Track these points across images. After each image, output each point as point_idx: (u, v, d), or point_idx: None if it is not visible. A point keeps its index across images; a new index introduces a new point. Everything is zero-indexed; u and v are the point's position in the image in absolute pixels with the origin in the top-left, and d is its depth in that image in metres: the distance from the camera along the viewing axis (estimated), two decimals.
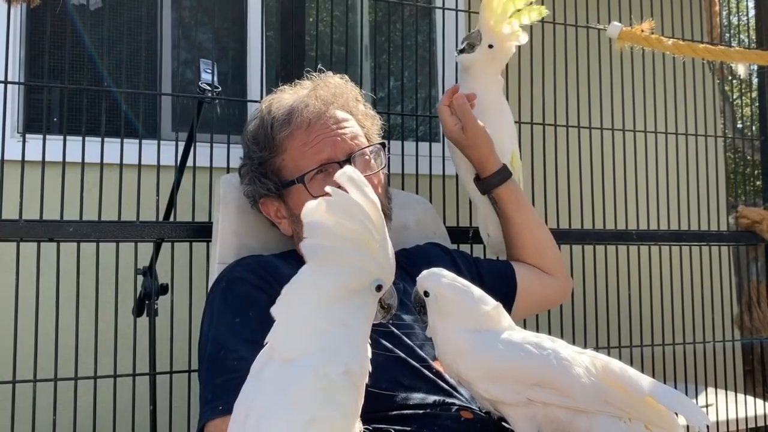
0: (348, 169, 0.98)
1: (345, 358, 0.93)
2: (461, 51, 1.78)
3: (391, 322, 1.23)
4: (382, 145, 1.63)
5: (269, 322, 0.97)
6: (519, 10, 1.72)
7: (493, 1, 1.70)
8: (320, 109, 1.55)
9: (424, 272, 1.22)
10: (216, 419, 1.27)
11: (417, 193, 2.06)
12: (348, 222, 0.95)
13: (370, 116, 1.66)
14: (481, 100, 1.77)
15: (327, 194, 1.03)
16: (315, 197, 1.45)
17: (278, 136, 1.55)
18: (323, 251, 0.95)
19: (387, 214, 1.58)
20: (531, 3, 1.73)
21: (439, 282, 1.21)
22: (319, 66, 1.67)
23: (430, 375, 1.39)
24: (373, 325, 1.02)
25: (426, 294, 1.21)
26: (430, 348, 1.26)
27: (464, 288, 1.21)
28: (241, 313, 1.38)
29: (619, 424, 1.17)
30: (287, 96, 1.61)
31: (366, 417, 0.99)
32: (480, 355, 1.19)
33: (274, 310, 0.97)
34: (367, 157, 1.57)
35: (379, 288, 0.99)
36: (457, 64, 1.90)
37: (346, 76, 1.66)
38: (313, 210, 0.95)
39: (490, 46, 1.74)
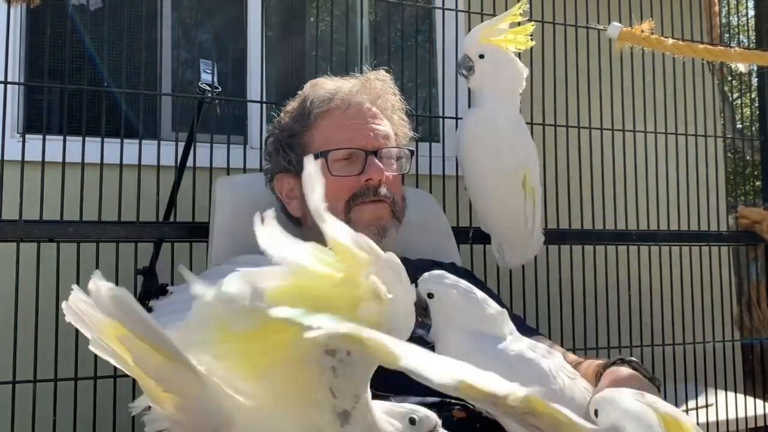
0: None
1: None
2: (466, 78, 1.79)
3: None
4: (411, 152, 1.65)
5: None
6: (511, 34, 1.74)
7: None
8: (363, 99, 1.56)
9: (426, 274, 1.21)
10: None
11: None
12: None
13: (402, 125, 1.67)
14: (496, 121, 1.77)
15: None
16: (333, 175, 1.48)
17: (315, 111, 1.55)
18: None
19: (399, 218, 1.60)
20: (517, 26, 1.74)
21: (443, 283, 1.20)
22: (366, 66, 1.69)
23: None
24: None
25: (430, 296, 1.20)
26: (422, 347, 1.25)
27: (468, 290, 1.20)
28: None
29: None
30: (334, 81, 1.62)
31: None
32: (473, 362, 1.18)
33: None
34: (392, 160, 1.60)
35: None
36: (456, 75, 1.90)
37: (390, 81, 1.66)
38: None
39: (481, 56, 1.74)
